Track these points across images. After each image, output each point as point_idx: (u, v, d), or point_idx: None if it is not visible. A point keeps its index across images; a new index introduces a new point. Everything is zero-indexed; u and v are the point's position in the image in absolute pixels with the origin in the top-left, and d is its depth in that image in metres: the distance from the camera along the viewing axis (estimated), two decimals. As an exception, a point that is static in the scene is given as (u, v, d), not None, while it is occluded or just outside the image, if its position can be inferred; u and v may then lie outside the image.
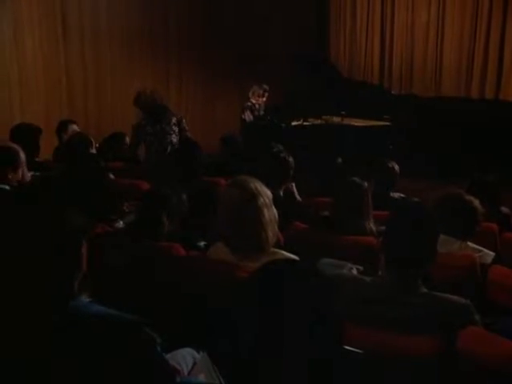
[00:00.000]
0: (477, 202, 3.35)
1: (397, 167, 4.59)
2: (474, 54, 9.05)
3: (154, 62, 8.86)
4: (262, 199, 2.49)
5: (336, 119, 8.47)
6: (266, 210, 2.49)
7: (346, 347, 1.84)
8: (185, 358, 2.15)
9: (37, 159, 4.96)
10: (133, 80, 8.66)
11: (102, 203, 3.30)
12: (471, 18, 9.02)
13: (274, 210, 2.58)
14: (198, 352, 2.14)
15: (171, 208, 2.93)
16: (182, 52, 9.12)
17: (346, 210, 3.42)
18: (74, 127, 5.92)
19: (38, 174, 4.33)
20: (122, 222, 3.52)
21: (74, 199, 2.95)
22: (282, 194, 4.18)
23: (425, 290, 2.15)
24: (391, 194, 4.53)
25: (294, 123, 8.32)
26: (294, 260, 2.15)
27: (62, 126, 5.90)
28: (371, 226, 3.46)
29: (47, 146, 5.58)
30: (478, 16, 8.95)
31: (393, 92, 9.77)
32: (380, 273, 2.25)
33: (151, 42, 8.79)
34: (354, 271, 2.81)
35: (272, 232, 2.53)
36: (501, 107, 8.68)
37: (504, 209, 4.47)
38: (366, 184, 3.55)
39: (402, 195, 4.67)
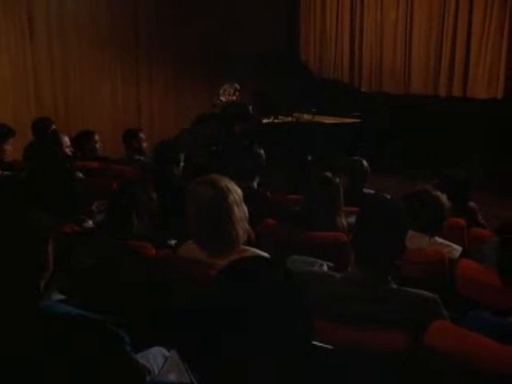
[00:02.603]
0: (444, 198, 3.39)
1: (366, 164, 4.62)
2: (442, 53, 9.18)
3: (123, 61, 8.77)
4: (231, 197, 2.48)
5: (307, 117, 8.52)
6: (235, 208, 2.49)
7: (316, 343, 1.85)
8: (155, 356, 2.14)
9: (5, 159, 4.90)
10: (102, 79, 8.59)
11: (68, 202, 3.26)
12: (438, 18, 9.15)
13: (245, 208, 2.58)
14: (169, 351, 2.13)
15: (140, 207, 2.91)
16: (152, 51, 9.05)
17: (318, 204, 3.43)
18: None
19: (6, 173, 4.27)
20: (91, 222, 3.49)
21: (40, 198, 2.91)
22: (255, 186, 4.28)
23: (394, 286, 2.17)
24: (363, 191, 4.56)
25: (264, 121, 8.34)
26: (262, 257, 2.15)
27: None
28: (343, 221, 3.49)
29: (15, 145, 5.48)
30: (445, 15, 9.08)
31: (363, 90, 9.85)
32: (350, 269, 2.26)
33: (120, 40, 8.70)
34: (325, 268, 2.83)
35: (242, 229, 2.52)
36: (467, 104, 8.83)
37: (471, 204, 4.54)
38: (337, 179, 3.58)
39: (372, 192, 4.71)
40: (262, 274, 1.19)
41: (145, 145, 5.90)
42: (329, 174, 3.57)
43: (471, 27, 8.88)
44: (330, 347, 1.84)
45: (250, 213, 2.65)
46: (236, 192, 2.53)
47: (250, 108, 6.30)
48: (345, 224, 3.45)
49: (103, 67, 8.61)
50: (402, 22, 9.49)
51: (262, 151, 4.39)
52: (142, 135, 5.88)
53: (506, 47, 8.61)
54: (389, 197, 3.89)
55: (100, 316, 1.60)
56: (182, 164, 4.48)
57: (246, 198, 2.64)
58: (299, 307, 1.19)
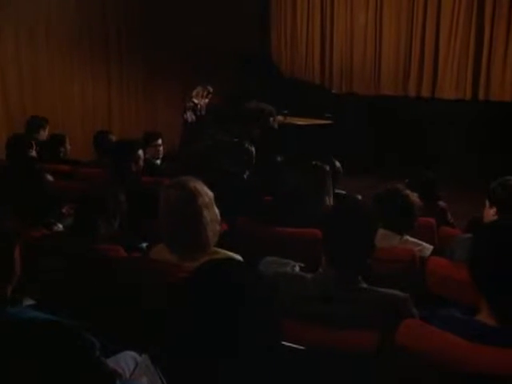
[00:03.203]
0: (415, 197, 3.43)
1: (339, 165, 4.65)
2: (411, 54, 9.31)
3: (93, 61, 8.69)
4: (201, 199, 2.47)
5: (279, 118, 8.51)
6: (205, 210, 2.48)
7: (288, 344, 1.85)
8: (127, 361, 2.12)
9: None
10: (73, 81, 8.50)
11: (36, 206, 3.21)
12: (407, 20, 9.27)
13: (216, 210, 2.57)
14: (141, 355, 2.11)
15: (108, 209, 2.88)
16: (123, 52, 8.98)
17: (307, 190, 3.46)
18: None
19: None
20: (60, 226, 3.45)
21: (6, 202, 2.87)
22: (245, 177, 4.71)
23: (364, 286, 2.18)
24: (336, 191, 4.59)
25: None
26: (233, 259, 2.15)
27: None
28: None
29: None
30: (414, 18, 9.21)
31: (333, 91, 9.91)
32: (320, 270, 2.27)
33: (90, 42, 8.62)
34: (297, 269, 2.83)
35: (212, 232, 2.51)
36: (436, 105, 8.95)
37: (441, 203, 4.60)
38: (327, 167, 3.70)
39: (343, 192, 4.74)
40: (231, 276, 1.19)
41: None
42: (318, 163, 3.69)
43: (439, 29, 9.03)
44: (301, 347, 1.85)
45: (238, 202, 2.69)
46: (206, 194, 2.52)
47: (272, 116, 6.27)
48: None
49: (73, 68, 8.52)
50: (372, 24, 9.60)
51: (252, 148, 4.86)
52: (112, 137, 5.83)
53: (473, 49, 8.76)
54: (359, 197, 3.92)
55: (68, 321, 1.57)
56: (141, 162, 4.51)
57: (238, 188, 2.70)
58: (269, 308, 1.19)
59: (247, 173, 4.82)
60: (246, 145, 4.92)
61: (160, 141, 5.85)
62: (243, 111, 6.40)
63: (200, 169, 4.47)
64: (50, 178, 4.61)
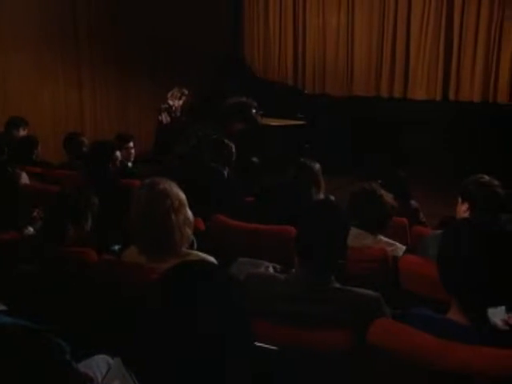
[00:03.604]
0: (389, 197, 3.45)
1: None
2: (383, 56, 9.41)
3: (64, 63, 8.58)
4: (170, 200, 2.45)
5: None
6: (175, 212, 2.46)
7: (261, 344, 1.85)
8: (99, 364, 2.10)
9: None
10: (44, 84, 8.37)
11: (7, 209, 3.17)
12: (378, 21, 9.37)
13: (188, 212, 2.55)
14: (113, 358, 2.09)
15: (79, 212, 2.86)
16: (94, 53, 8.86)
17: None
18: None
19: None
20: (31, 229, 3.41)
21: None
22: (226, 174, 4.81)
23: (337, 285, 2.19)
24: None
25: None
26: (204, 260, 2.14)
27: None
28: None
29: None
30: (385, 19, 9.31)
31: (306, 92, 9.94)
32: (293, 270, 2.27)
33: (60, 44, 8.49)
34: (271, 269, 2.83)
35: (183, 233, 2.49)
36: (408, 105, 9.05)
37: (413, 203, 4.65)
38: (317, 165, 3.98)
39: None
40: (200, 277, 1.19)
41: (86, 149, 5.79)
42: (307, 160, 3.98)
43: (410, 31, 9.15)
44: (274, 348, 1.85)
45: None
46: (177, 196, 2.49)
47: (253, 108, 6.29)
48: None
49: (43, 70, 8.39)
50: (344, 26, 9.67)
51: (232, 144, 5.00)
52: (83, 139, 5.77)
53: (443, 50, 8.88)
54: (332, 197, 3.95)
55: (38, 325, 1.55)
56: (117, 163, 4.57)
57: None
58: (239, 309, 1.18)
59: (227, 169, 4.88)
60: (226, 141, 5.00)
61: (132, 143, 5.88)
62: (224, 107, 6.40)
63: (183, 169, 4.55)
64: (26, 180, 4.58)
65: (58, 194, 3.12)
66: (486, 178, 3.29)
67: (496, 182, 3.26)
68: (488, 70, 8.64)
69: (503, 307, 2.59)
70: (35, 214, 3.80)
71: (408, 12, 9.10)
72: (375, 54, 9.45)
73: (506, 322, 2.54)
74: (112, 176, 4.41)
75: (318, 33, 9.90)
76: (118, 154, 4.59)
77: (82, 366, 1.98)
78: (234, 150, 5.02)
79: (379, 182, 4.37)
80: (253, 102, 6.05)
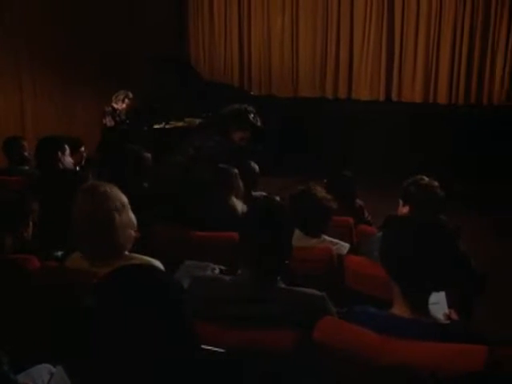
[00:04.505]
0: (327, 198, 3.45)
1: (256, 166, 4.69)
2: (327, 57, 9.53)
3: (2, 65, 8.31)
4: (111, 203, 2.42)
5: (199, 121, 8.48)
6: (116, 215, 2.42)
7: (208, 347, 1.84)
8: (41, 373, 2.05)
9: None
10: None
11: None
12: (322, 23, 9.50)
13: (131, 215, 2.52)
14: (55, 366, 2.04)
15: (15, 221, 2.78)
16: (35, 59, 8.61)
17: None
18: None
19: None
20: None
21: None
22: None
23: (282, 286, 2.20)
24: (253, 194, 4.61)
25: (156, 126, 8.25)
26: (145, 264, 2.12)
27: None
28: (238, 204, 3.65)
29: None
30: (329, 20, 9.44)
31: (252, 93, 9.97)
32: (239, 271, 2.27)
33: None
34: (217, 271, 2.83)
35: (125, 237, 2.46)
36: (353, 106, 9.19)
37: (358, 202, 4.72)
38: (235, 170, 3.90)
39: (263, 194, 4.77)
40: (140, 280, 1.17)
41: (28, 153, 5.63)
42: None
43: (353, 32, 9.32)
44: (221, 350, 1.84)
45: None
46: (118, 198, 2.46)
47: (251, 113, 6.21)
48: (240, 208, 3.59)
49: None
50: (289, 27, 9.75)
51: None
52: (24, 143, 5.59)
53: (385, 51, 9.07)
54: (277, 198, 3.96)
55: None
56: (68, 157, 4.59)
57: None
58: (180, 312, 1.17)
59: None
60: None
61: (83, 148, 5.84)
62: (222, 116, 6.33)
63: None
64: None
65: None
66: (426, 179, 3.34)
67: (436, 183, 3.32)
68: (428, 71, 8.87)
69: (445, 302, 2.67)
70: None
71: (351, 14, 9.27)
72: (319, 56, 9.56)
73: (447, 317, 2.62)
74: (61, 170, 4.41)
75: (263, 33, 9.95)
76: (66, 146, 4.64)
77: (23, 377, 1.93)
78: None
79: (324, 181, 4.43)
80: (247, 106, 6.02)
